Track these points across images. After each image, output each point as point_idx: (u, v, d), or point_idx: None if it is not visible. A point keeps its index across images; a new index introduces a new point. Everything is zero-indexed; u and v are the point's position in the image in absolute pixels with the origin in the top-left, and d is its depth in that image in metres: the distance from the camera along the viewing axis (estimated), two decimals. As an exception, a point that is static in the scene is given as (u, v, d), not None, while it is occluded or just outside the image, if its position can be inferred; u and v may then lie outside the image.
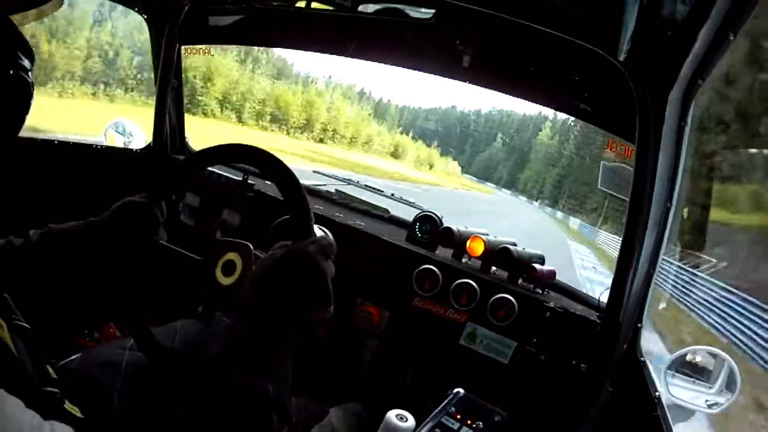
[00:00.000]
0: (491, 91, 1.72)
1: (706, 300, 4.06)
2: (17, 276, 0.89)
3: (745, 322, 3.55)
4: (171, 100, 2.21)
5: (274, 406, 0.65)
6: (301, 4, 1.73)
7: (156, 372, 1.06)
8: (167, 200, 1.02)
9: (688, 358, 1.21)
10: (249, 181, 1.89)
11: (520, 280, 1.66)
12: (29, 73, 0.73)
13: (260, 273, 0.77)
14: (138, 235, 0.98)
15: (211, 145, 1.03)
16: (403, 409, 1.25)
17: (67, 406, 0.75)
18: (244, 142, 1.00)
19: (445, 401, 1.31)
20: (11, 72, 0.70)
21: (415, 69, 1.85)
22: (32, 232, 0.96)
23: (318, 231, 1.56)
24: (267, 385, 0.65)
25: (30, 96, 0.74)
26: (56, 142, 1.92)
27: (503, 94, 1.73)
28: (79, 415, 0.77)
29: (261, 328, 0.70)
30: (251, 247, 1.21)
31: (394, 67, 1.82)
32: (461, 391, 1.32)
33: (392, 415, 1.11)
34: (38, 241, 0.94)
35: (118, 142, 2.26)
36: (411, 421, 1.11)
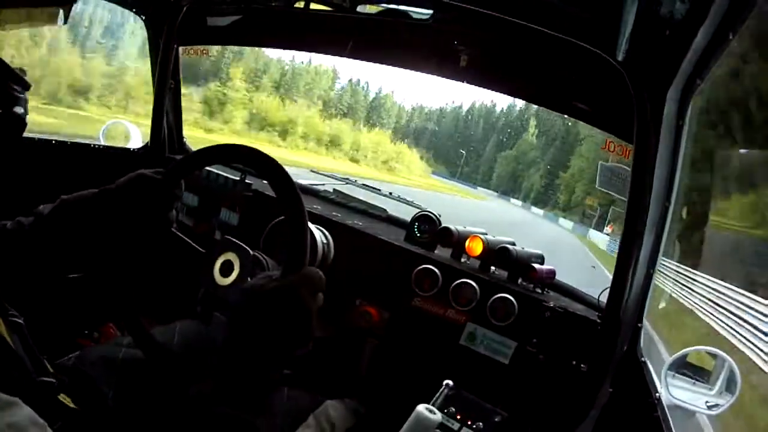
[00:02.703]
0: (489, 91, 1.72)
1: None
2: (27, 255, 0.88)
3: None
4: (169, 100, 2.21)
5: None
6: (300, 5, 1.73)
7: (151, 370, 1.06)
8: (179, 185, 1.00)
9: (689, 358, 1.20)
10: (247, 181, 1.88)
11: (519, 280, 1.66)
12: (23, 106, 0.73)
13: (246, 305, 0.75)
14: (149, 210, 0.96)
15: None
16: (402, 407, 1.24)
17: (61, 397, 0.75)
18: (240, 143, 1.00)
19: (438, 394, 1.30)
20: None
21: (413, 69, 1.85)
22: (42, 207, 0.94)
23: (316, 231, 1.57)
24: (253, 420, 0.66)
25: (22, 129, 0.74)
26: (54, 141, 1.92)
27: (501, 94, 1.73)
28: (72, 405, 0.77)
29: (243, 366, 0.70)
30: (249, 250, 1.21)
31: (392, 67, 1.82)
32: (450, 382, 1.32)
33: (422, 408, 1.11)
34: (51, 212, 0.92)
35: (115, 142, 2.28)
36: (438, 415, 1.11)
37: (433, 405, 1.21)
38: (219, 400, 0.67)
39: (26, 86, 0.74)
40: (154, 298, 1.37)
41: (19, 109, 0.73)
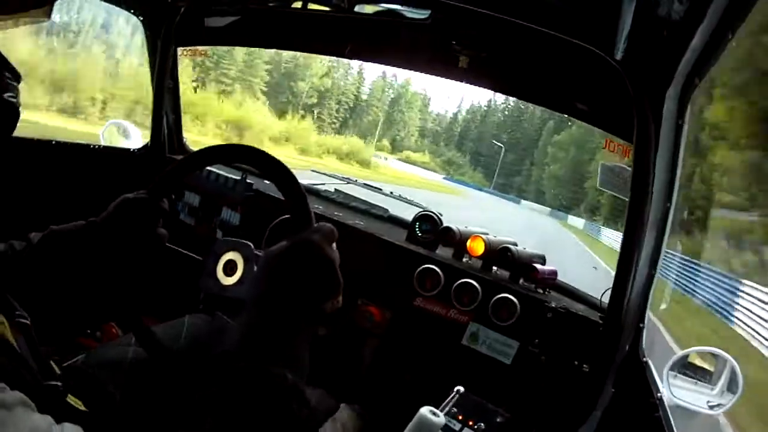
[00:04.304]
0: (489, 91, 1.72)
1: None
2: (20, 279, 0.88)
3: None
4: (168, 101, 2.21)
5: (292, 393, 0.64)
6: (298, 5, 1.72)
7: (160, 369, 1.06)
8: (167, 198, 1.01)
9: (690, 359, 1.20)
10: (248, 181, 1.89)
11: (521, 280, 1.66)
12: (15, 94, 0.72)
13: (268, 265, 0.75)
14: (139, 233, 0.96)
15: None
16: (403, 409, 1.24)
17: (70, 399, 0.75)
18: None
19: (448, 399, 1.30)
20: None
21: (412, 69, 1.85)
22: (33, 234, 0.95)
23: None
24: (284, 373, 0.64)
25: (16, 118, 0.74)
26: (54, 142, 1.92)
27: (500, 94, 1.72)
28: (82, 408, 0.77)
29: (274, 319, 0.69)
30: (252, 246, 1.21)
31: (390, 67, 1.81)
32: (461, 389, 1.32)
33: (426, 410, 1.11)
34: (39, 242, 0.93)
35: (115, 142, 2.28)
36: (442, 417, 1.11)
37: (441, 410, 1.21)
38: (248, 357, 0.65)
39: (18, 77, 0.74)
40: (155, 299, 1.38)
41: (12, 97, 0.72)
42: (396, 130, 55.45)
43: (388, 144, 54.14)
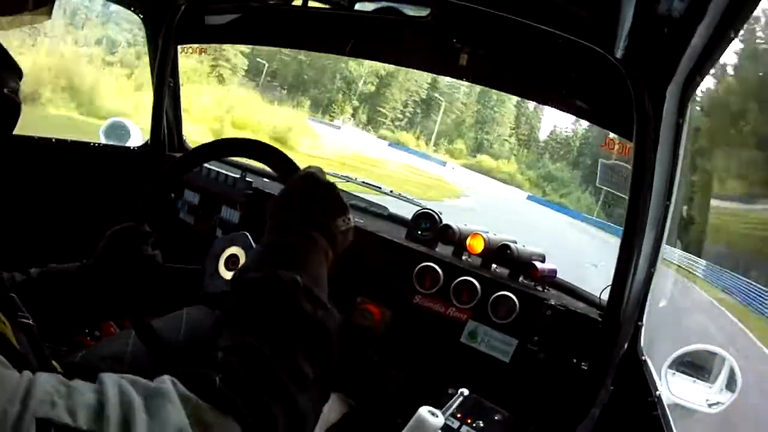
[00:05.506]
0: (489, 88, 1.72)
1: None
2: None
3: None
4: (168, 99, 2.21)
5: (304, 294, 0.64)
6: (298, 3, 1.73)
7: (161, 362, 1.07)
8: (165, 199, 1.03)
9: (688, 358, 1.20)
10: (247, 179, 1.89)
11: (520, 278, 1.65)
12: (16, 92, 0.73)
13: (277, 201, 0.79)
14: (131, 262, 1.00)
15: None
16: (401, 407, 1.24)
17: None
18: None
19: (451, 401, 1.30)
20: None
21: (413, 67, 1.85)
22: (33, 270, 0.99)
23: None
24: (294, 277, 0.65)
25: (17, 114, 0.74)
26: (54, 140, 1.92)
27: (502, 92, 1.72)
28: None
29: (287, 235, 0.72)
30: (248, 235, 1.22)
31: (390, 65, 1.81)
32: (465, 391, 1.32)
33: (425, 410, 1.11)
34: (38, 278, 0.98)
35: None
36: (441, 418, 1.11)
37: (444, 411, 1.21)
38: (262, 267, 0.67)
39: (20, 73, 0.74)
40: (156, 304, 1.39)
41: (13, 93, 0.73)
42: (484, 131, 43.88)
43: (464, 147, 43.30)
